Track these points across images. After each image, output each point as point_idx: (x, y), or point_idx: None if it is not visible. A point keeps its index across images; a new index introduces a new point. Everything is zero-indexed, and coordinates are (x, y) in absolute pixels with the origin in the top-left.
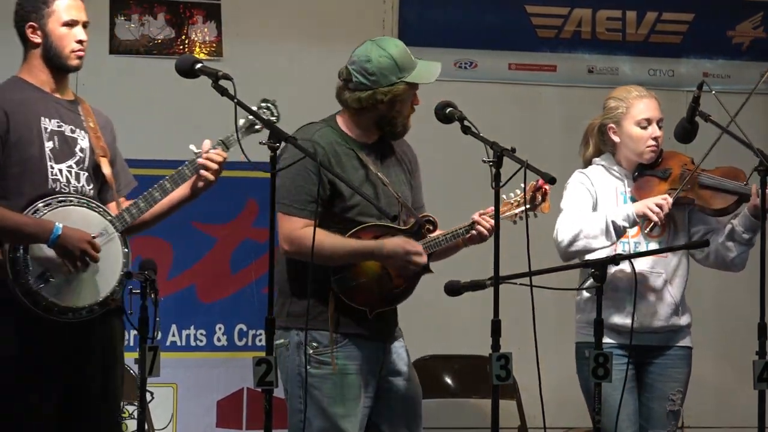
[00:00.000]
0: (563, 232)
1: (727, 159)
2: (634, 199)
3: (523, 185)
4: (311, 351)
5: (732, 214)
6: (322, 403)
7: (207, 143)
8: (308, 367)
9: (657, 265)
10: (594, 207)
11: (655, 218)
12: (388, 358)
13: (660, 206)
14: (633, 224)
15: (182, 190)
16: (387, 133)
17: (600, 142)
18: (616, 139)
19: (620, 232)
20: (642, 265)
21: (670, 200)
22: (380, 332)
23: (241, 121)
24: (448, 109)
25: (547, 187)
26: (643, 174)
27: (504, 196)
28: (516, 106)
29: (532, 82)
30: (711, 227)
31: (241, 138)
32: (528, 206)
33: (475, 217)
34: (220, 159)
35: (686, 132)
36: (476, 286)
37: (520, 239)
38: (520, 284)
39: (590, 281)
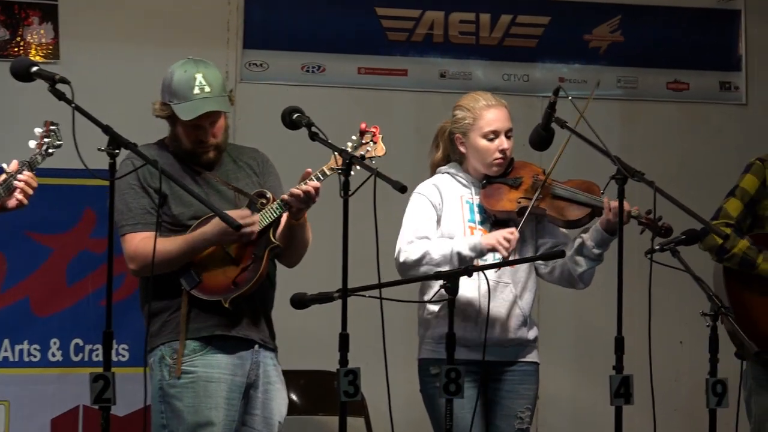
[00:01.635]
0: (407, 252)
1: (585, 169)
2: (481, 207)
3: (355, 137)
4: (171, 361)
5: (582, 227)
6: (183, 414)
7: (14, 164)
8: (168, 378)
9: (504, 275)
10: (438, 221)
11: (504, 252)
12: (254, 369)
13: (509, 240)
14: (480, 255)
15: None
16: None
17: (449, 148)
18: (463, 149)
19: (465, 262)
20: (489, 275)
21: (517, 234)
22: (243, 331)
23: (32, 143)
24: (295, 115)
25: (375, 129)
26: (493, 181)
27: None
28: (366, 112)
29: (383, 87)
30: (558, 240)
31: (41, 162)
32: (361, 153)
33: (283, 195)
34: (35, 185)
35: (541, 139)
36: (324, 298)
37: (370, 250)
38: (369, 296)
39: (441, 294)
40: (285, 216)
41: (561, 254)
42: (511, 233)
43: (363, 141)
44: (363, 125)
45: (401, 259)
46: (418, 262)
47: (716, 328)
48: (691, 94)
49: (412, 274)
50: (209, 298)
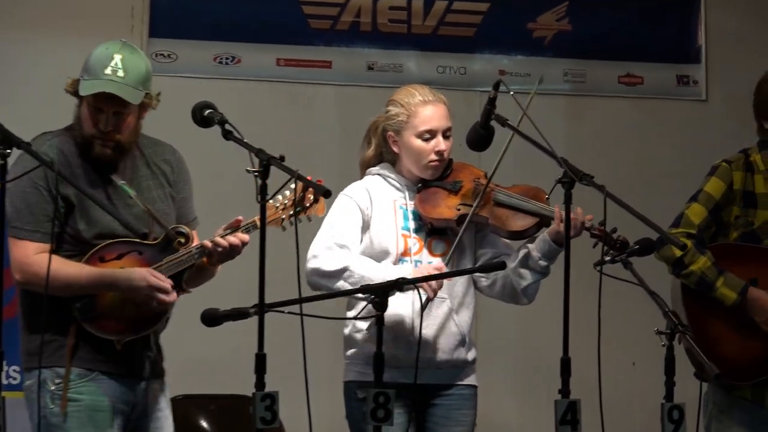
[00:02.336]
0: (324, 259)
1: (529, 172)
2: (416, 214)
3: (293, 186)
4: (53, 387)
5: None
6: None
7: None
8: (51, 406)
9: (440, 288)
10: (365, 227)
11: (430, 293)
12: (142, 398)
13: (435, 282)
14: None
15: None
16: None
17: (383, 145)
18: (396, 149)
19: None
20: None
21: (445, 268)
22: (133, 369)
23: None
24: (207, 111)
25: (318, 183)
26: (429, 185)
27: (270, 200)
28: (286, 108)
29: (305, 80)
30: (499, 251)
31: None
32: (298, 208)
33: (206, 242)
34: None
35: (480, 138)
36: (238, 314)
37: (290, 261)
38: (289, 313)
39: (368, 309)
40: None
41: (501, 266)
42: (437, 269)
43: (302, 193)
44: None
45: (315, 265)
46: (335, 274)
47: (673, 348)
48: (646, 88)
49: (323, 284)
50: (101, 336)
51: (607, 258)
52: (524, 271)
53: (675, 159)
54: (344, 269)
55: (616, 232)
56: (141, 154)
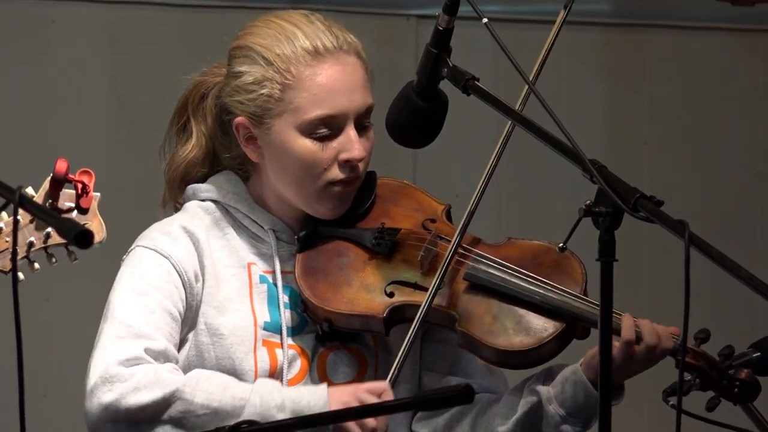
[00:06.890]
0: (136, 383)
1: (526, 195)
2: (295, 296)
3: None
4: None
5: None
6: None
7: None
8: None
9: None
10: (189, 317)
11: None
12: None
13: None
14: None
15: None
16: None
17: (220, 138)
18: (254, 155)
19: None
20: None
21: (390, 393)
22: None
23: None
24: None
25: (86, 178)
26: (327, 235)
27: None
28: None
29: None
30: (476, 383)
31: None
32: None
33: None
34: None
35: (417, 117)
36: None
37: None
38: None
39: None
40: None
41: (462, 397)
42: (381, 391)
43: (57, 204)
44: (61, 166)
45: (109, 399)
46: (160, 406)
47: None
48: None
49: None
50: None
51: (691, 381)
52: None
53: None
54: (174, 393)
55: (731, 359)
56: None
